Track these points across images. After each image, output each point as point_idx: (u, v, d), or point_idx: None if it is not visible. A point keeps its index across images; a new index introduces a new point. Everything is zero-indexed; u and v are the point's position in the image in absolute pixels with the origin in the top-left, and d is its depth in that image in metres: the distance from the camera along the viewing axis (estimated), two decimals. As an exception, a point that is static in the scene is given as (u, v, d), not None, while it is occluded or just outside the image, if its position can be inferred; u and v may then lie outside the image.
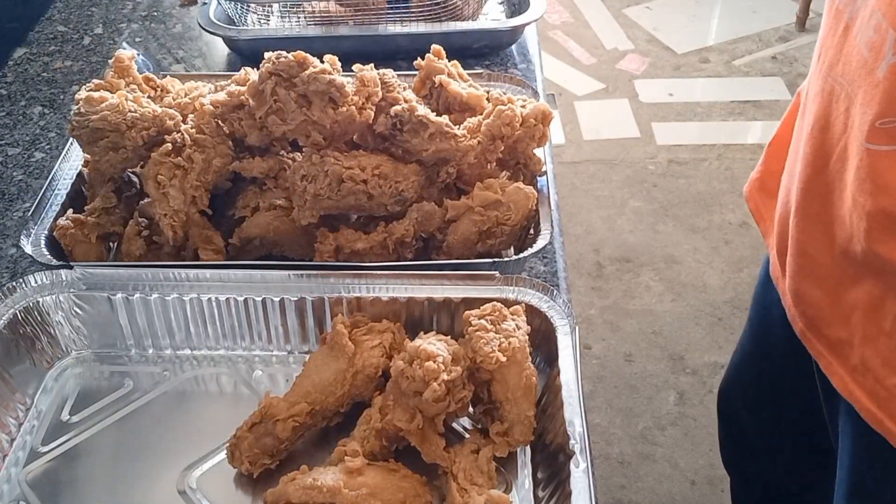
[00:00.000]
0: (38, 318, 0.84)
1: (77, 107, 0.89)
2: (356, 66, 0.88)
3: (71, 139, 0.98)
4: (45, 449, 0.79)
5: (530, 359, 0.76)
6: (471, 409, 0.79)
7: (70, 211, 0.93)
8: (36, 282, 0.84)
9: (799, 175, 0.81)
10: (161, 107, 0.92)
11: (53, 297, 0.84)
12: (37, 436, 0.80)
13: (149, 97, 0.95)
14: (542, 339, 0.81)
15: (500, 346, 0.74)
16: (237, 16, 1.24)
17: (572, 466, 0.69)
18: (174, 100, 0.97)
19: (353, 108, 0.85)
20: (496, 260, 0.87)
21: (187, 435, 0.80)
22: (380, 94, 0.88)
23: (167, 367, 0.86)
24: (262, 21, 1.25)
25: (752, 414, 1.20)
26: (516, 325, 0.76)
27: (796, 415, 1.09)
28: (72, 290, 0.84)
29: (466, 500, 0.69)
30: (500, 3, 1.37)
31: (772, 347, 1.05)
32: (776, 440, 1.17)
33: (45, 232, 0.90)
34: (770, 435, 1.18)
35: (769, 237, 0.94)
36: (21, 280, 0.83)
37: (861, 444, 0.84)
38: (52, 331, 0.85)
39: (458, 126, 0.91)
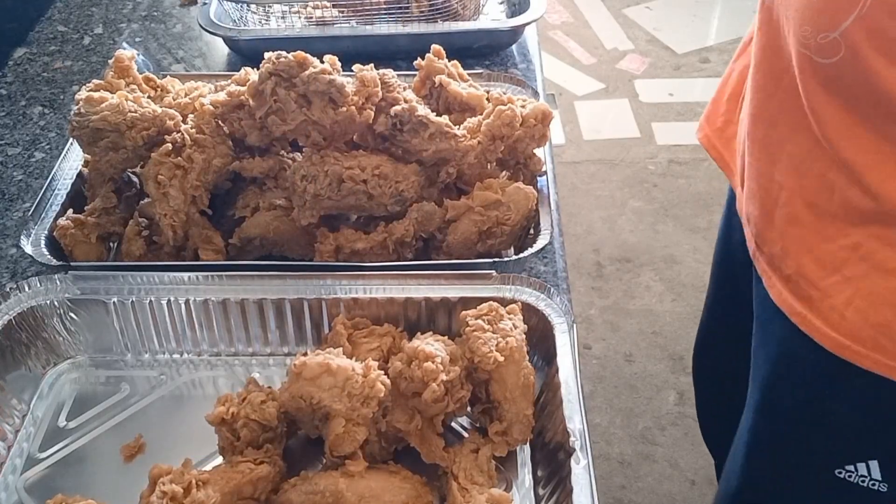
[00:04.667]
0: (33, 324, 0.84)
1: (77, 107, 0.89)
2: (356, 66, 0.88)
3: (71, 139, 0.98)
4: (43, 455, 0.79)
5: (528, 358, 0.76)
6: (469, 409, 0.79)
7: (70, 211, 0.93)
8: (30, 287, 0.84)
9: (750, 103, 0.84)
10: (161, 107, 0.92)
11: (48, 302, 0.84)
12: (34, 442, 0.80)
13: (149, 97, 0.96)
14: (540, 338, 0.81)
15: (497, 345, 0.74)
16: (237, 16, 1.24)
17: (573, 463, 0.69)
18: (174, 100, 0.97)
19: (353, 108, 0.85)
20: (496, 260, 0.87)
21: (185, 439, 0.80)
22: (380, 94, 0.88)
23: (163, 371, 0.86)
24: (262, 21, 1.25)
25: (724, 366, 1.21)
26: (513, 324, 0.76)
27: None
28: (66, 294, 0.84)
29: (468, 499, 0.69)
30: (500, 3, 1.37)
31: (736, 290, 1.07)
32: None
33: (45, 232, 0.90)
34: (744, 389, 1.19)
35: (734, 176, 0.97)
36: (15, 285, 0.83)
37: (781, 354, 0.87)
38: (47, 336, 0.85)
39: (458, 126, 0.91)
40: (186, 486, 0.66)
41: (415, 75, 1.00)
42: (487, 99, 0.97)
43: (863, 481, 0.84)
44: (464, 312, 0.77)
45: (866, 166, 0.72)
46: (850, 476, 0.84)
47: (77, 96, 0.90)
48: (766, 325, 0.92)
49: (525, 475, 0.76)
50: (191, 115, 0.92)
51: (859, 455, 0.83)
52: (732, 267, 1.06)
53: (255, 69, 0.89)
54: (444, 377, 0.71)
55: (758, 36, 0.82)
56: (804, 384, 0.86)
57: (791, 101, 0.77)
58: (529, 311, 0.81)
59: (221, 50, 1.26)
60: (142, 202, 0.94)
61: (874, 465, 0.83)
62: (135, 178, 0.96)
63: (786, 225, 0.82)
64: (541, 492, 0.74)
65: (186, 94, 0.98)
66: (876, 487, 0.83)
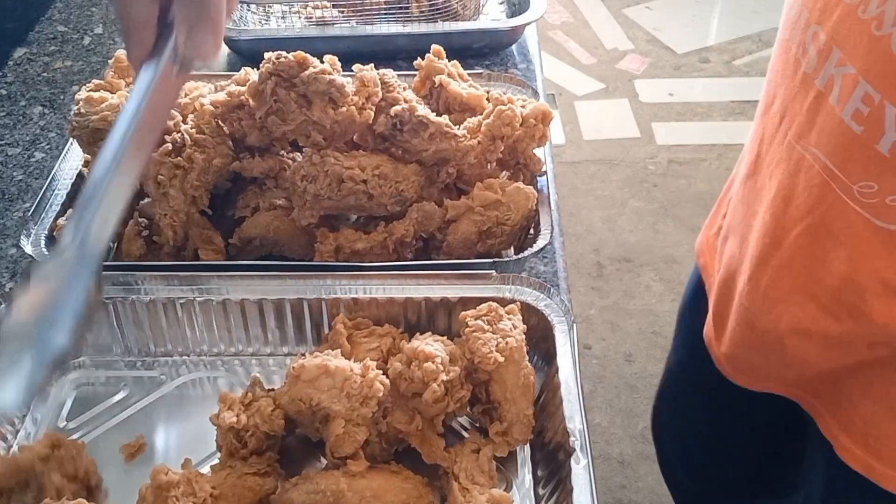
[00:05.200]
0: (33, 324, 0.84)
1: (77, 107, 0.89)
2: (356, 66, 0.88)
3: (71, 139, 0.98)
4: (43, 455, 0.79)
5: (527, 358, 0.77)
6: (469, 409, 0.79)
7: (70, 211, 0.93)
8: (30, 287, 0.83)
9: (755, 244, 0.78)
10: (161, 107, 0.91)
11: (49, 301, 0.83)
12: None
13: (149, 97, 0.95)
14: (540, 338, 0.81)
15: (497, 346, 0.74)
16: (237, 16, 1.24)
17: (573, 463, 0.69)
18: (174, 100, 0.97)
19: (353, 108, 0.85)
20: (496, 260, 0.87)
21: (185, 439, 0.80)
22: (380, 94, 0.88)
23: (163, 372, 0.86)
24: (262, 21, 1.25)
25: (687, 424, 1.19)
26: (513, 324, 0.76)
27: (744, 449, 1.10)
28: None
29: (468, 499, 0.69)
30: (501, 3, 1.37)
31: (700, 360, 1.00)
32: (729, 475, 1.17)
33: (45, 232, 0.90)
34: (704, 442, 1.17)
35: (712, 294, 0.92)
36: (14, 286, 0.83)
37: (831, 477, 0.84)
38: (48, 336, 0.85)
39: (458, 126, 0.91)
40: (201, 502, 0.67)
41: (415, 75, 1.00)
42: (487, 99, 0.97)
43: None
44: (463, 313, 0.77)
45: None
46: None
47: (77, 96, 0.90)
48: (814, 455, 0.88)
49: (525, 475, 0.76)
50: (191, 115, 0.92)
51: None
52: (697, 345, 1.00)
53: (255, 69, 0.89)
54: (444, 377, 0.71)
55: (775, 171, 0.73)
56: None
57: (815, 254, 0.71)
58: (529, 311, 0.81)
59: (221, 50, 1.26)
60: (142, 202, 0.94)
61: None
62: (135, 178, 0.96)
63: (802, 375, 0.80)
64: (541, 492, 0.74)
65: (186, 94, 0.98)
66: None
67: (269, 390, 0.76)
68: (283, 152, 0.93)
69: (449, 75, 0.99)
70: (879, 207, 0.63)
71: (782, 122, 0.73)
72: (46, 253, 0.88)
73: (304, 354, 0.74)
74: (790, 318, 0.76)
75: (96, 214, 0.55)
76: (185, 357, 0.87)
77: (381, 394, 0.70)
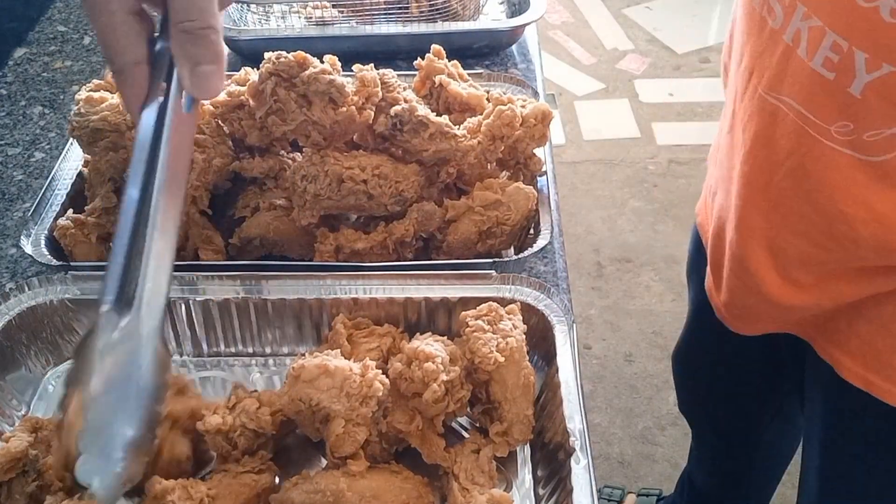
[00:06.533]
0: (33, 324, 0.83)
1: (77, 107, 0.89)
2: (356, 66, 0.88)
3: (71, 139, 0.98)
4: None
5: (528, 358, 0.77)
6: (469, 409, 0.79)
7: (70, 211, 0.93)
8: (30, 287, 0.83)
9: (738, 193, 0.83)
10: (161, 107, 0.91)
11: (48, 302, 0.83)
12: (35, 443, 0.80)
13: (149, 97, 0.95)
14: (540, 338, 0.81)
15: (497, 346, 0.74)
16: (237, 16, 1.24)
17: (573, 463, 0.69)
18: (174, 100, 0.97)
19: (353, 108, 0.85)
20: (496, 260, 0.87)
21: (186, 438, 0.80)
22: (380, 94, 0.88)
23: (163, 371, 0.86)
24: (262, 21, 1.25)
25: (705, 382, 1.27)
26: (513, 324, 0.76)
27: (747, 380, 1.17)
28: (66, 294, 0.84)
29: (468, 499, 0.69)
30: (501, 3, 1.37)
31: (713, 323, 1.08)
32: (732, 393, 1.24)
33: (45, 232, 0.90)
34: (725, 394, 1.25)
35: (708, 248, 0.99)
36: (15, 286, 0.83)
37: (836, 409, 0.90)
38: (47, 336, 0.85)
39: (458, 126, 0.91)
40: (198, 503, 0.67)
41: (415, 75, 1.00)
42: (487, 99, 0.97)
43: None
44: (463, 313, 0.77)
45: None
46: None
47: (77, 96, 0.90)
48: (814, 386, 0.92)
49: (525, 475, 0.76)
50: (191, 115, 0.92)
51: None
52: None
53: (255, 69, 0.89)
54: (444, 377, 0.71)
55: (749, 124, 0.80)
56: (866, 436, 0.87)
57: (797, 196, 0.76)
58: (529, 311, 0.81)
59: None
60: (142, 202, 0.94)
61: None
62: (135, 178, 0.96)
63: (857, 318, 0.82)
64: (541, 492, 0.74)
65: (186, 94, 0.98)
66: None
67: (252, 391, 0.76)
68: (283, 152, 0.93)
69: (449, 75, 0.99)
70: (858, 143, 0.69)
71: (751, 77, 0.79)
72: (46, 253, 0.88)
73: (304, 354, 0.74)
74: (791, 253, 0.82)
75: (146, 283, 0.52)
76: (186, 357, 0.87)
77: (380, 394, 0.70)
